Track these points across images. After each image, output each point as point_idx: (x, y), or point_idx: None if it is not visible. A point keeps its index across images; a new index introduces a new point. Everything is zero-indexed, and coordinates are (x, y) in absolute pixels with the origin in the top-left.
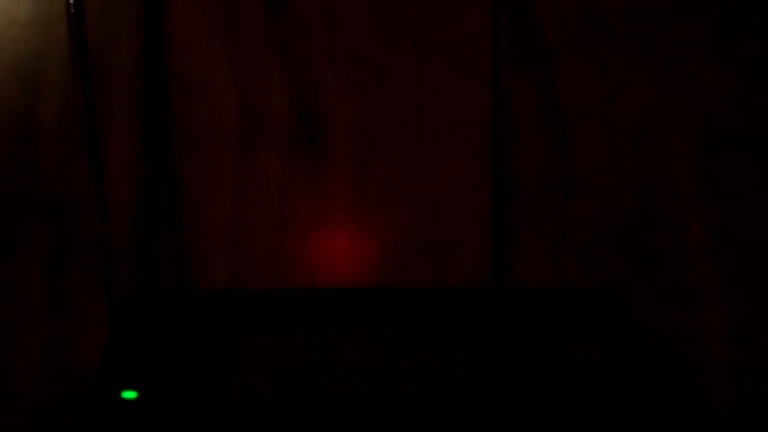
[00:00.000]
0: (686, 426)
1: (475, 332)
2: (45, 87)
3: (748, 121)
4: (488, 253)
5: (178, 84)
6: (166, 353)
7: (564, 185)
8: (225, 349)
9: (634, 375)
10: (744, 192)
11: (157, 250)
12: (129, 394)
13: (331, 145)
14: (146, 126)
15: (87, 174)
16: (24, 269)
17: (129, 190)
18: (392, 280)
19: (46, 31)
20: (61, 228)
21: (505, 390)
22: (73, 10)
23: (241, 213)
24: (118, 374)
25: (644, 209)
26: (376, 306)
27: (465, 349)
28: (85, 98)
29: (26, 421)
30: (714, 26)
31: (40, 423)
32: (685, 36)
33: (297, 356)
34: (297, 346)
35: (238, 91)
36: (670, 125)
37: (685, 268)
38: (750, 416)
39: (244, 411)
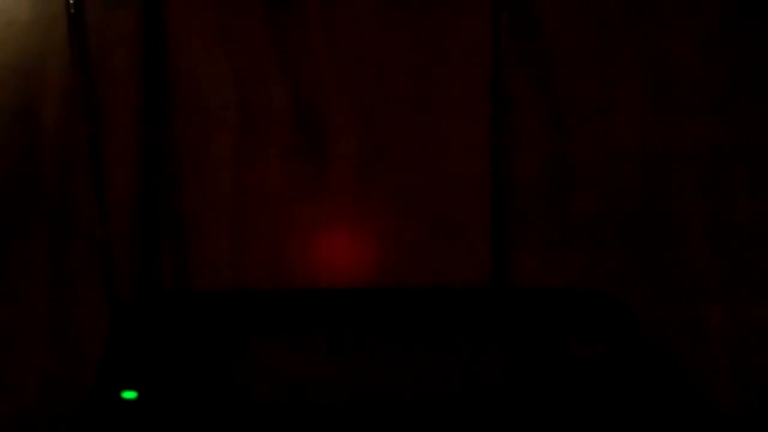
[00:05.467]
0: (686, 424)
1: (476, 332)
2: (45, 87)
3: (748, 120)
4: (488, 254)
5: (178, 84)
6: (166, 353)
7: (564, 185)
8: (225, 349)
9: (634, 374)
10: (744, 192)
11: (157, 250)
12: (129, 394)
13: (331, 146)
14: (146, 126)
15: (87, 174)
16: (24, 269)
17: (129, 191)
18: (392, 280)
19: (46, 31)
20: (62, 228)
21: (506, 389)
22: (73, 10)
23: (241, 213)
24: (118, 374)
25: (644, 209)
26: (376, 306)
27: (465, 349)
28: (85, 98)
29: (27, 421)
30: (714, 24)
31: (41, 422)
32: (685, 34)
33: (297, 356)
34: (297, 346)
35: (238, 91)
36: (670, 124)
37: (684, 268)
38: (749, 415)
39: (244, 411)
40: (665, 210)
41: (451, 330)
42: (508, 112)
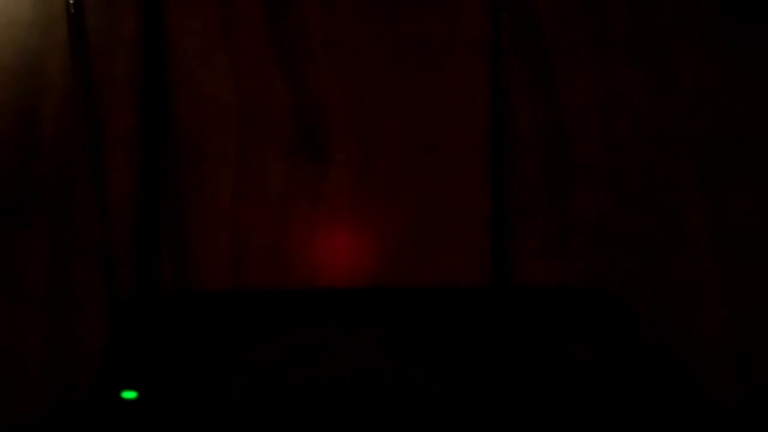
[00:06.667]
0: (686, 424)
1: (475, 332)
2: (45, 87)
3: (747, 119)
4: (488, 254)
5: (178, 84)
6: (166, 353)
7: (563, 185)
8: (225, 349)
9: (634, 374)
10: (744, 192)
11: (157, 250)
12: (129, 394)
13: (330, 146)
14: (146, 126)
15: (87, 174)
16: (24, 269)
17: (129, 190)
18: (392, 280)
19: (46, 31)
20: (61, 228)
21: (506, 389)
22: (73, 10)
23: (241, 213)
24: (118, 374)
25: (644, 209)
26: (376, 306)
27: (465, 349)
28: (85, 98)
29: (27, 421)
30: (715, 26)
31: (41, 422)
32: (686, 36)
33: (297, 356)
34: (297, 346)
35: (238, 92)
36: (670, 124)
37: (684, 268)
38: (749, 414)
39: (244, 411)
40: (666, 209)
41: (451, 330)
42: (508, 112)
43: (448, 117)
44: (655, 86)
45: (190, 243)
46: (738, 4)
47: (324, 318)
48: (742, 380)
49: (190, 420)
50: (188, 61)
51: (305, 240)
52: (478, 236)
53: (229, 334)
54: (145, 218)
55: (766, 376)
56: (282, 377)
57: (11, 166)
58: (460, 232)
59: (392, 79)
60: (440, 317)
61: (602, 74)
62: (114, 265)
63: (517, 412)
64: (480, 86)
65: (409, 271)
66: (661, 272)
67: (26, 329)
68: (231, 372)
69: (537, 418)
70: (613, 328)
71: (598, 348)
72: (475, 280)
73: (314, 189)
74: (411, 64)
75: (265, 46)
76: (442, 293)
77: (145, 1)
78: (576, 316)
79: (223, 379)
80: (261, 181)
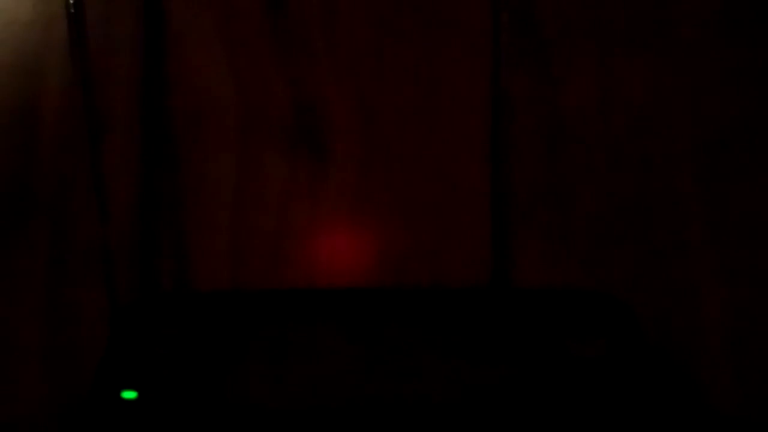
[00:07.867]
0: (686, 425)
1: (476, 332)
2: (45, 87)
3: (747, 119)
4: (488, 254)
5: (178, 84)
6: (166, 353)
7: (564, 186)
8: (225, 349)
9: (634, 374)
10: (743, 191)
11: (157, 250)
12: (129, 394)
13: (331, 146)
14: (146, 126)
15: (87, 174)
16: (24, 269)
17: (129, 190)
18: (392, 280)
19: (46, 30)
20: (61, 228)
21: (506, 389)
22: (73, 10)
23: (241, 213)
24: (118, 374)
25: (644, 209)
26: (376, 306)
27: (465, 349)
28: (85, 98)
29: (27, 421)
30: (715, 23)
31: (41, 423)
32: (685, 35)
33: (297, 356)
34: (297, 347)
35: (238, 91)
36: (670, 124)
37: (684, 269)
38: (749, 415)
39: (244, 411)
40: (665, 210)
41: (451, 330)
42: (508, 112)
43: (448, 116)
44: (655, 85)
45: (190, 243)
46: (739, 1)
47: (324, 318)
48: (741, 382)
49: (190, 420)
50: (188, 60)
51: (305, 240)
52: (479, 236)
53: (228, 334)
54: (145, 218)
55: (765, 376)
56: (281, 377)
57: (11, 166)
58: (461, 231)
59: (391, 79)
60: (440, 317)
61: (602, 74)
62: (114, 265)
63: (517, 412)
64: (480, 86)
65: (409, 271)
66: (661, 272)
67: (26, 329)
68: (231, 372)
69: (537, 418)
70: (613, 328)
71: (598, 348)
72: (475, 280)
73: (314, 189)
74: (411, 63)
75: (264, 45)
76: (442, 293)
77: (145, 1)
78: (576, 316)
79: (222, 379)
80: (261, 180)
